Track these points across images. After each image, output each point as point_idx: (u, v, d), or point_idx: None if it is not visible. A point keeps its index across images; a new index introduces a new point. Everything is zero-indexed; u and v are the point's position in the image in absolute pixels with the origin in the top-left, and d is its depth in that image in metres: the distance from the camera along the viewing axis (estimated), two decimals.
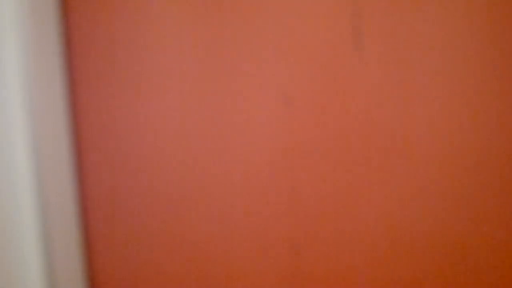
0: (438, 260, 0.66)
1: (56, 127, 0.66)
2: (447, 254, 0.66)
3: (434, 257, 0.66)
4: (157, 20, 0.69)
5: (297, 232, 0.68)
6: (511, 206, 0.62)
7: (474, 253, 0.65)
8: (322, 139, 0.66)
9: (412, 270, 0.67)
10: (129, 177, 0.72)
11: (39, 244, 0.62)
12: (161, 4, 0.68)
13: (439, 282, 0.66)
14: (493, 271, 0.65)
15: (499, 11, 0.60)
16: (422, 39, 0.61)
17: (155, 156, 0.71)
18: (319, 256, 0.68)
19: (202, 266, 0.72)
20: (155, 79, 0.70)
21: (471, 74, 0.62)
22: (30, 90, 0.61)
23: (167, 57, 0.70)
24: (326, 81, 0.65)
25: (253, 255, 0.71)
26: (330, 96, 0.65)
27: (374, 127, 0.65)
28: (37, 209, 0.61)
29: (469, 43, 0.62)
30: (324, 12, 0.63)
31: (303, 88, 0.66)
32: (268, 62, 0.66)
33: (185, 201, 0.72)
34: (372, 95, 0.63)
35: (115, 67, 0.70)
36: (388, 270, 0.68)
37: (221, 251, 0.72)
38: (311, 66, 0.65)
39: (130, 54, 0.70)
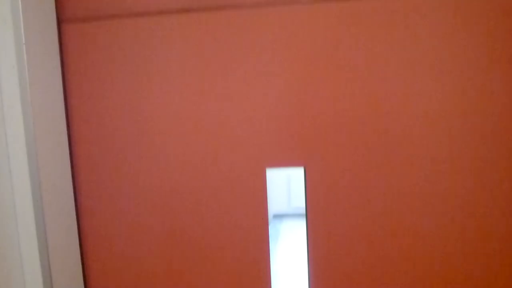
0: (438, 259, 0.66)
1: (53, 127, 0.67)
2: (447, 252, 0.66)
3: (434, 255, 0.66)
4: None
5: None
6: None
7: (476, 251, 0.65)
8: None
9: (414, 269, 0.67)
10: (124, 176, 0.73)
11: (37, 243, 0.62)
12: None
13: (439, 280, 0.67)
14: (494, 270, 0.64)
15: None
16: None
17: (149, 156, 0.72)
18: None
19: (196, 267, 0.72)
20: (155, 76, 0.71)
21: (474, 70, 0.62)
22: (29, 91, 0.61)
23: (166, 62, 0.70)
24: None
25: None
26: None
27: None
28: (36, 209, 0.62)
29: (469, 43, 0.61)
30: None
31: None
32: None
33: (180, 200, 0.72)
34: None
35: (111, 71, 0.71)
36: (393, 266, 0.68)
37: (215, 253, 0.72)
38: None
39: (128, 59, 0.70)
